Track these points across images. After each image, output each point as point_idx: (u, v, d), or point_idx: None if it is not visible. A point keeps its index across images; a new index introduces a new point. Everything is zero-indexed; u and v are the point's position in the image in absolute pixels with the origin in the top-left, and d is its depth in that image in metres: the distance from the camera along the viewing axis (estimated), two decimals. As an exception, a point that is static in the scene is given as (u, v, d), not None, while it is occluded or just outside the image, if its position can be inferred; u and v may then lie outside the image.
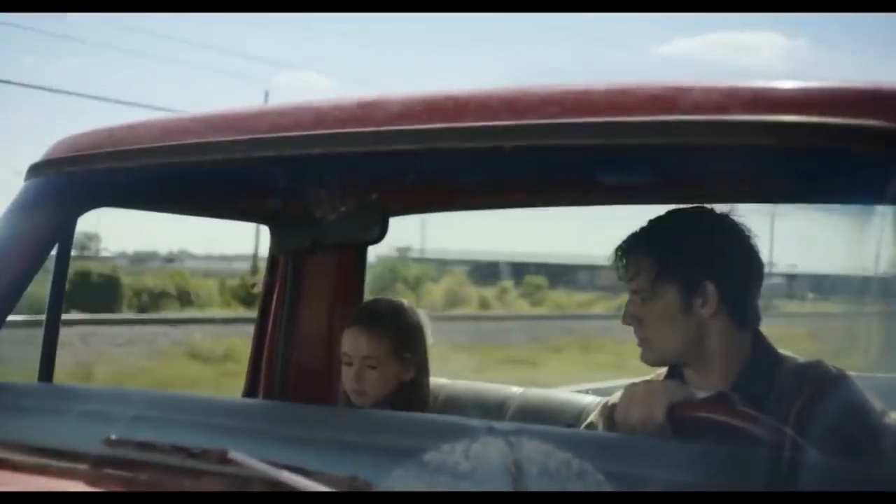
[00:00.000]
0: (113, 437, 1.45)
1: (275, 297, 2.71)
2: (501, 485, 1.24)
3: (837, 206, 2.02)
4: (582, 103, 1.40)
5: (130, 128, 1.84)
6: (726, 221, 1.84)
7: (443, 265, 33.02)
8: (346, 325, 2.33)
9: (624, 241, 1.86)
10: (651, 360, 1.86)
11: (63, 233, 1.98)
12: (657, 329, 1.82)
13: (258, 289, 2.78)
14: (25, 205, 1.93)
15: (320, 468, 1.27)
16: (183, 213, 2.51)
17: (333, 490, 1.23)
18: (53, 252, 1.98)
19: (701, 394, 1.69)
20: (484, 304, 29.98)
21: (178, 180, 2.00)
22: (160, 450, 1.40)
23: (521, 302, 32.32)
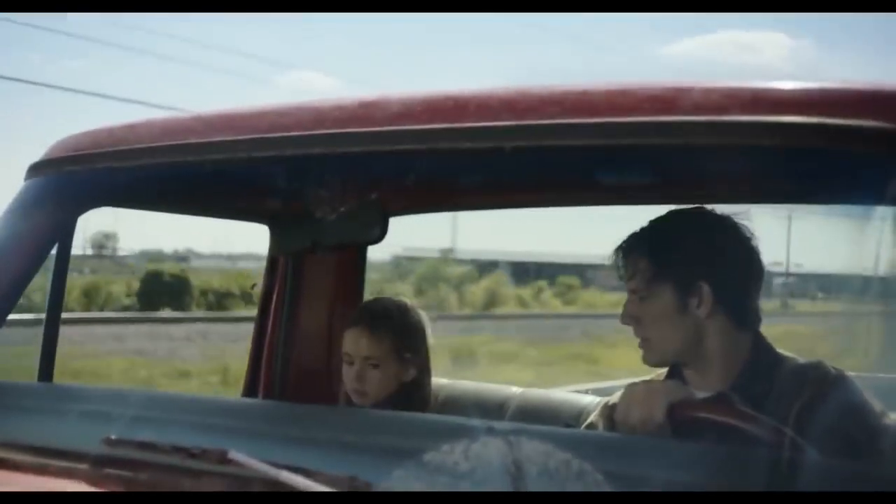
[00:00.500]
0: (113, 436, 1.45)
1: (275, 297, 2.71)
2: (501, 485, 1.24)
3: (838, 206, 2.02)
4: (582, 104, 1.40)
5: (131, 127, 1.84)
6: (726, 222, 1.84)
7: (482, 266, 33.68)
8: (347, 325, 2.33)
9: (623, 241, 1.86)
10: (651, 360, 1.86)
11: (63, 232, 1.98)
12: (654, 329, 1.82)
13: (257, 289, 2.78)
14: (25, 204, 1.93)
15: (320, 468, 1.27)
16: (183, 213, 2.52)
17: (333, 490, 1.23)
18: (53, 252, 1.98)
19: (701, 394, 1.70)
20: (522, 303, 30.97)
21: (179, 180, 2.00)
22: (160, 450, 1.40)
23: (554, 301, 33.23)
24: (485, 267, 33.50)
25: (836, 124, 1.25)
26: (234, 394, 4.43)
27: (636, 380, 1.73)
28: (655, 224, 1.85)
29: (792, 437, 1.38)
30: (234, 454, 1.31)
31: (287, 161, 1.71)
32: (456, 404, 2.49)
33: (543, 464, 1.24)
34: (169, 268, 24.77)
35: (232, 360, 12.42)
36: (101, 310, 21.94)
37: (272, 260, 2.72)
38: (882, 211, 1.36)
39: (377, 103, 1.56)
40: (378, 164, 1.77)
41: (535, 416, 2.39)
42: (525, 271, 37.97)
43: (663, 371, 1.91)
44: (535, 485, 1.23)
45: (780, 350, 1.85)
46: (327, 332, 2.69)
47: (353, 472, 1.26)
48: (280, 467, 1.27)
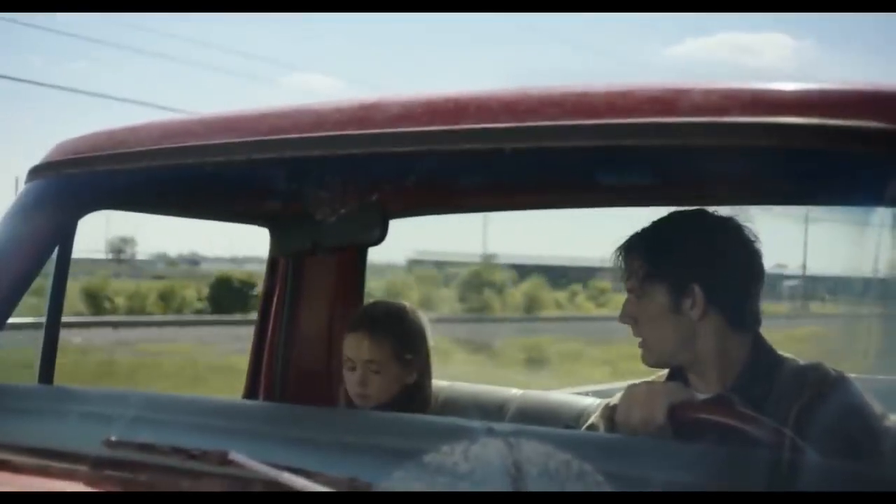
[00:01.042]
0: (113, 438, 1.45)
1: (275, 298, 2.71)
2: (501, 486, 1.24)
3: (838, 207, 2.02)
4: (582, 105, 1.40)
5: (131, 130, 1.84)
6: (724, 224, 1.84)
7: (520, 270, 34.16)
8: (347, 329, 2.33)
9: (623, 242, 1.87)
10: (650, 361, 1.87)
11: (64, 235, 1.98)
12: (650, 329, 1.83)
13: (257, 290, 2.78)
14: (26, 207, 1.93)
15: (320, 469, 1.27)
16: (184, 216, 2.52)
17: (333, 491, 1.23)
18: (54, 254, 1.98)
19: (701, 395, 1.70)
20: (559, 306, 31.82)
21: (179, 183, 2.00)
22: (160, 451, 1.40)
23: (588, 304, 33.93)
24: (522, 271, 34.03)
25: (835, 125, 1.25)
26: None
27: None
28: (653, 225, 1.86)
29: (792, 439, 1.38)
30: (235, 455, 1.31)
31: (287, 163, 1.71)
32: (456, 406, 2.49)
33: (544, 464, 1.25)
34: (237, 274, 25.47)
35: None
36: (178, 313, 22.75)
37: (272, 261, 2.73)
38: (882, 212, 1.36)
39: (377, 105, 1.56)
40: (378, 165, 1.77)
41: (536, 417, 2.39)
42: (559, 275, 38.56)
43: (664, 373, 1.92)
44: (535, 485, 1.24)
45: (781, 351, 1.85)
46: (327, 334, 2.69)
47: (354, 473, 1.26)
48: (280, 468, 1.27)
